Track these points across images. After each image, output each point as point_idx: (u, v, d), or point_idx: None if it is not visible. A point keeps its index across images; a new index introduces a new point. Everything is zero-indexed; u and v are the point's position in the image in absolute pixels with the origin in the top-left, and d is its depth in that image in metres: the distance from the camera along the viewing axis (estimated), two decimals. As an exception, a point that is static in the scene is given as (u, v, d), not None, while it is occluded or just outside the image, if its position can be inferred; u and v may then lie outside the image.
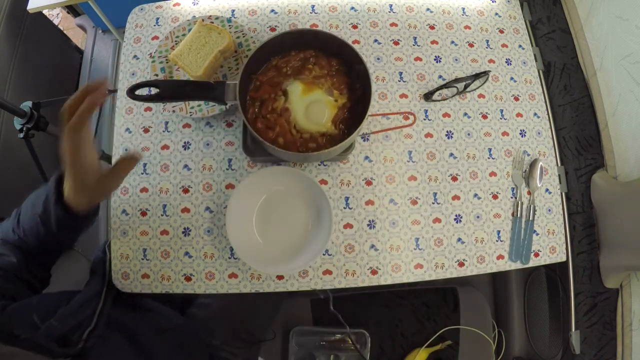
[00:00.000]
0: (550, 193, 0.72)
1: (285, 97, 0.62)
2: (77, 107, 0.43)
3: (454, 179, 0.71)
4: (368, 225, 0.68)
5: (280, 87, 0.63)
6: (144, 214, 0.68)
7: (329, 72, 0.64)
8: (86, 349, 0.48)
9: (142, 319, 0.63)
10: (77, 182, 0.47)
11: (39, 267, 0.58)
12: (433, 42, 0.77)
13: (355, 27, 0.77)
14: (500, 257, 0.69)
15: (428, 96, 0.72)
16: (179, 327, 0.69)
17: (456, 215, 0.69)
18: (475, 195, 0.71)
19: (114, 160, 0.53)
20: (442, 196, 0.70)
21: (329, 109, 0.62)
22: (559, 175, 0.74)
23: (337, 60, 0.65)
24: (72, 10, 1.59)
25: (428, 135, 0.72)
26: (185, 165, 0.70)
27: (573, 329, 0.73)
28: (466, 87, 0.72)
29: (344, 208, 0.69)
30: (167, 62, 0.72)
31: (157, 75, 0.71)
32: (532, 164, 0.72)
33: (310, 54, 0.65)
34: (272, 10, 0.78)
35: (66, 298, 0.53)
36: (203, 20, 0.72)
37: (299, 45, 0.64)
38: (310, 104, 0.62)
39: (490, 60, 0.77)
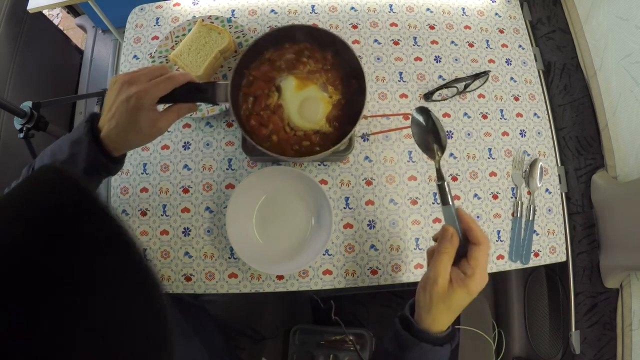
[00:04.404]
0: (550, 193, 0.72)
1: (279, 93, 0.61)
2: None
3: (454, 179, 0.71)
4: (368, 225, 0.68)
5: (274, 82, 0.61)
6: (144, 214, 0.68)
7: (324, 67, 0.62)
8: None
9: None
10: (130, 124, 0.48)
11: None
12: (433, 42, 0.77)
13: (355, 27, 0.77)
14: (500, 257, 0.69)
15: (428, 96, 0.72)
16: (197, 306, 0.69)
17: (456, 215, 0.69)
18: (475, 195, 0.71)
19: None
20: (442, 196, 0.70)
21: (323, 105, 0.60)
22: (559, 175, 0.74)
23: (332, 54, 0.63)
24: (72, 10, 1.59)
25: (428, 135, 0.72)
26: (185, 165, 0.70)
27: (573, 329, 0.73)
28: (466, 87, 0.72)
29: (344, 208, 0.69)
30: (167, 62, 0.72)
31: (157, 75, 0.71)
32: (532, 164, 0.72)
33: (305, 47, 0.63)
34: (272, 10, 0.78)
35: None
36: (203, 20, 0.72)
37: (293, 38, 0.63)
38: (304, 101, 0.60)
39: (490, 60, 0.77)
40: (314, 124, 0.60)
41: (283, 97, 0.60)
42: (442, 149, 0.50)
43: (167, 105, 0.52)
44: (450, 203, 0.46)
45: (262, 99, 0.61)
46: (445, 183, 0.47)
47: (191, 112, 0.55)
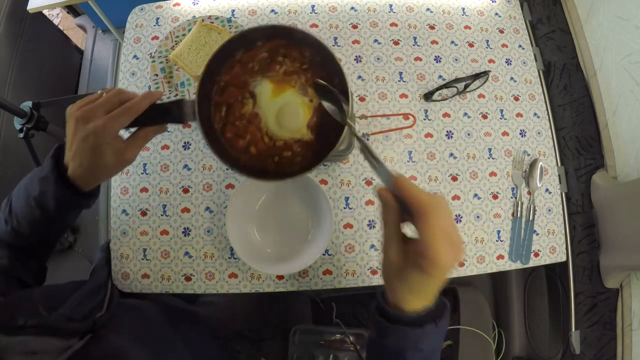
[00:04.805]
0: (550, 193, 0.72)
1: (254, 101, 0.54)
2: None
3: (454, 179, 0.71)
4: (368, 225, 0.68)
5: (248, 88, 0.55)
6: (144, 214, 0.68)
7: (302, 66, 0.55)
8: (97, 325, 0.46)
9: (151, 304, 0.62)
10: (94, 162, 0.45)
11: (33, 260, 0.56)
12: (433, 42, 0.77)
13: (355, 27, 0.77)
14: (500, 257, 0.69)
15: (428, 96, 0.72)
16: (190, 313, 0.69)
17: (456, 215, 0.69)
18: (475, 195, 0.71)
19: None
20: (442, 196, 0.70)
21: (303, 111, 0.54)
22: (559, 175, 0.74)
23: (310, 50, 0.55)
24: (72, 10, 1.59)
25: (428, 135, 0.72)
26: (185, 165, 0.70)
27: (573, 329, 0.73)
28: (466, 87, 0.72)
29: (344, 208, 0.69)
30: (167, 62, 0.72)
31: (157, 75, 0.71)
32: (532, 164, 0.72)
33: (279, 44, 0.55)
34: (272, 11, 0.78)
35: (73, 287, 0.50)
36: (203, 20, 0.72)
37: (266, 36, 0.56)
38: (282, 107, 0.54)
39: (490, 60, 0.77)
40: (295, 132, 0.54)
41: (259, 104, 0.54)
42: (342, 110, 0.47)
43: (133, 129, 0.49)
44: (381, 162, 0.39)
45: (236, 108, 0.55)
46: (365, 143, 0.40)
47: (160, 133, 0.52)
